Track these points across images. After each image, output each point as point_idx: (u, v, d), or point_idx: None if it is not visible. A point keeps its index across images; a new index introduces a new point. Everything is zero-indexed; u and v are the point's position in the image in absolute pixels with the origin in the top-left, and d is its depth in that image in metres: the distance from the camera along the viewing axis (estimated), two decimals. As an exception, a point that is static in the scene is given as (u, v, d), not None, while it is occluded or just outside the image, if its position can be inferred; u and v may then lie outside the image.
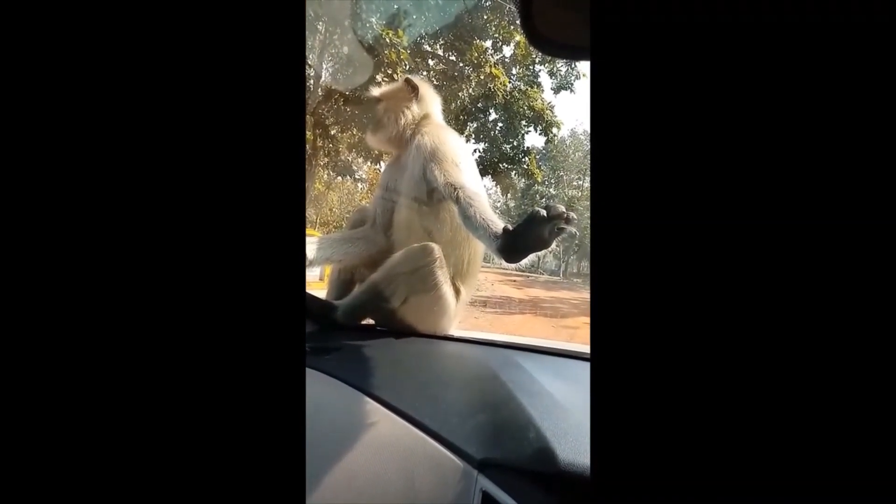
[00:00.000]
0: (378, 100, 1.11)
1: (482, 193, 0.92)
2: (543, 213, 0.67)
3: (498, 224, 0.80)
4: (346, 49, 6.44)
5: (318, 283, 3.10)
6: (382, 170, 1.25)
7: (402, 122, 1.07)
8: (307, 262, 0.99)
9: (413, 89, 1.10)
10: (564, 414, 0.59)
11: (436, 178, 0.95)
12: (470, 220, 0.86)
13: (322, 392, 0.66)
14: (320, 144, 7.34)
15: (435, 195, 1.00)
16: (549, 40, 0.43)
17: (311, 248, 1.01)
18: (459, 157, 1.00)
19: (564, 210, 0.67)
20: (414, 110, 1.09)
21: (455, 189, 0.92)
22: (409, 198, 1.04)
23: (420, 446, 0.55)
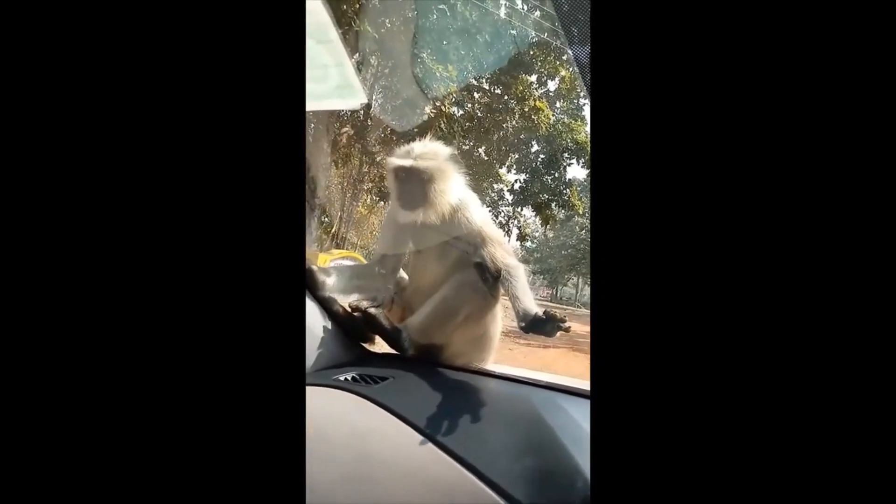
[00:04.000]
0: (419, 175, 1.01)
1: (520, 267, 1.02)
2: (542, 315, 0.85)
3: (523, 308, 0.91)
4: (396, 81, 6.77)
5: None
6: (391, 212, 1.16)
7: (445, 196, 1.03)
8: (324, 289, 1.02)
9: (457, 167, 1.07)
10: None
11: (484, 258, 1.03)
12: (507, 291, 0.98)
13: (368, 421, 0.67)
14: (366, 170, 7.65)
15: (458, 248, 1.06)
16: None
17: (332, 276, 1.06)
18: (501, 236, 1.10)
19: (560, 314, 0.84)
20: (454, 185, 1.06)
21: (501, 269, 1.02)
22: (434, 247, 1.07)
23: (465, 484, 0.55)
